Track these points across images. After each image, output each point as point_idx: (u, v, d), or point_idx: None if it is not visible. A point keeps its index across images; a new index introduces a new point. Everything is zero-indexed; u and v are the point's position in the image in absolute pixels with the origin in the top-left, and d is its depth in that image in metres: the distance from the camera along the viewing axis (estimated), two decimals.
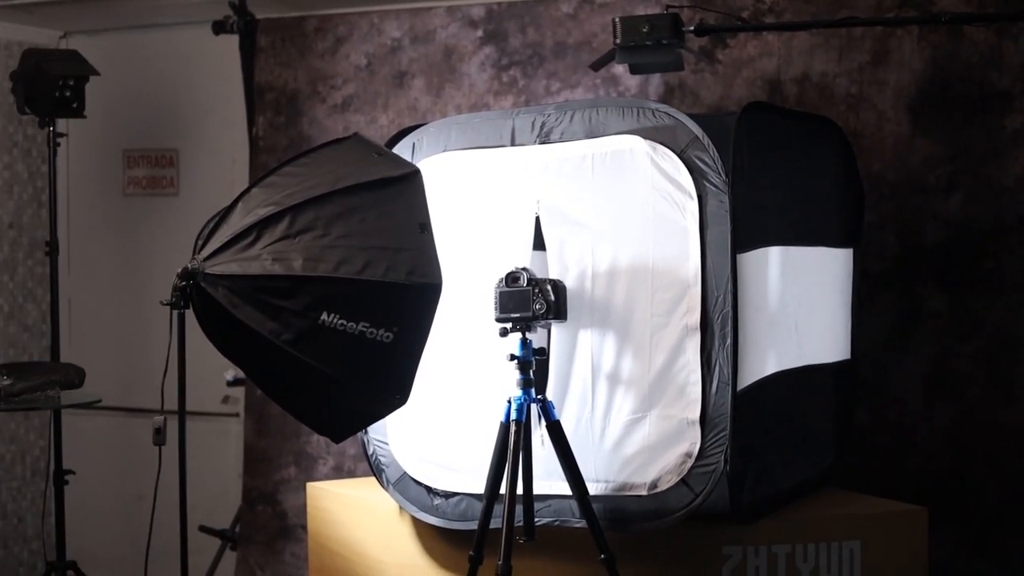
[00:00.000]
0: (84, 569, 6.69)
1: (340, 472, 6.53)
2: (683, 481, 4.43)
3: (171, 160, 7.83)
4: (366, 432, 5.00)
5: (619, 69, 5.93)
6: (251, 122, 6.93)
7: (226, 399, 7.47)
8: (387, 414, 4.63)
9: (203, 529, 6.95)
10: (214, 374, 7.15)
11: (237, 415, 7.39)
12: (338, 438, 4.75)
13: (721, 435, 4.38)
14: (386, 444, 4.99)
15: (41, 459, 8.01)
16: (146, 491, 7.27)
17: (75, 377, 5.58)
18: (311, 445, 6.62)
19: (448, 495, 4.87)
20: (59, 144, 6.46)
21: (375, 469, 5.03)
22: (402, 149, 4.95)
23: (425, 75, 6.46)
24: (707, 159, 4.42)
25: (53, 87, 6.25)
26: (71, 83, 6.28)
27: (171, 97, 7.76)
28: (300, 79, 6.72)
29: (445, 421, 4.85)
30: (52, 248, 6.47)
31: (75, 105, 6.34)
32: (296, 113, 6.71)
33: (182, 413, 4.54)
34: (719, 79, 5.89)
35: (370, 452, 5.04)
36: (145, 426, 7.34)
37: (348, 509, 5.32)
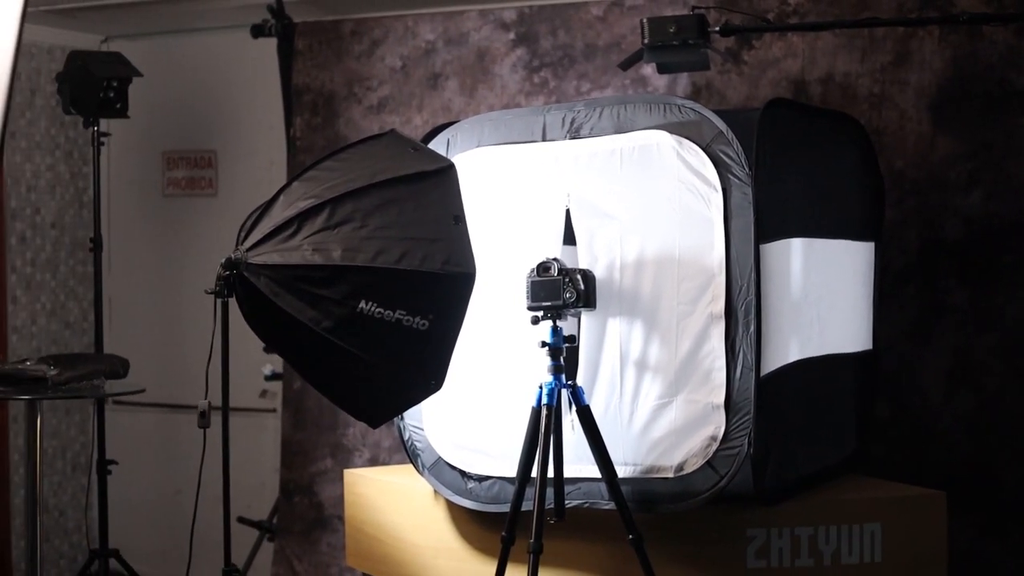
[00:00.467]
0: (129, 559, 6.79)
1: (375, 464, 6.62)
2: (708, 464, 4.53)
3: (210, 161, 7.98)
4: (402, 418, 5.11)
5: (647, 70, 6.05)
6: (288, 123, 7.03)
7: (264, 393, 7.60)
8: (422, 400, 4.74)
9: (241, 520, 7.05)
10: (252, 370, 7.32)
11: (274, 411, 7.53)
12: (375, 423, 4.85)
13: (745, 419, 4.48)
14: (421, 430, 5.10)
15: (82, 454, 8.21)
16: (185, 485, 7.56)
17: (119, 368, 5.72)
18: (347, 438, 6.73)
19: (481, 479, 4.98)
20: (103, 143, 6.57)
21: (411, 454, 5.14)
22: (437, 145, 5.06)
23: (458, 76, 6.56)
24: (731, 153, 4.52)
25: (98, 88, 6.35)
26: (115, 84, 6.39)
27: (210, 100, 7.90)
28: (336, 81, 6.81)
29: (479, 407, 4.95)
30: (96, 244, 6.57)
31: (119, 106, 6.45)
32: (332, 114, 6.80)
33: (225, 396, 4.61)
34: (745, 79, 5.99)
35: (406, 438, 5.14)
36: (185, 422, 7.47)
37: (384, 494, 5.43)
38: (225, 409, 4.66)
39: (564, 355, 4.61)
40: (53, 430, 8.05)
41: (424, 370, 4.52)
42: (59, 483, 8.14)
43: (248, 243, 4.48)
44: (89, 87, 6.38)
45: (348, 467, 6.59)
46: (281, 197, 4.58)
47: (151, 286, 8.27)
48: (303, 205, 4.48)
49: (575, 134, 4.81)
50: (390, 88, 6.71)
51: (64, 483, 8.19)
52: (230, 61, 7.85)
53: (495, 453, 4.92)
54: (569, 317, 4.65)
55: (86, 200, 8.07)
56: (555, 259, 4.59)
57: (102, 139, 6.58)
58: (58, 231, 8.01)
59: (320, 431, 6.77)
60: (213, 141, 7.98)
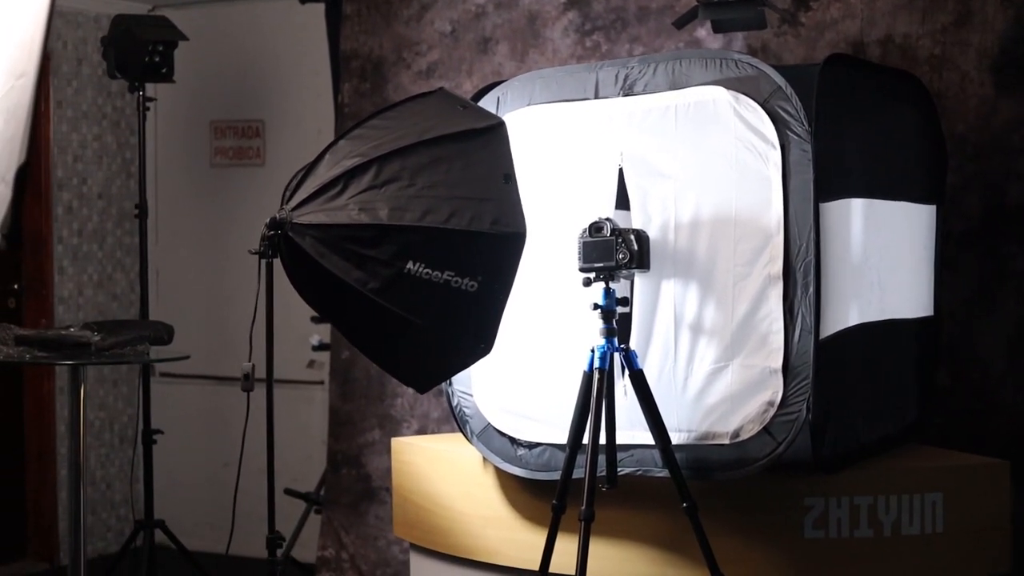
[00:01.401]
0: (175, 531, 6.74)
1: (423, 435, 6.49)
2: (765, 430, 4.42)
3: (257, 131, 7.96)
4: (450, 383, 5.03)
5: (702, 33, 5.92)
6: (336, 90, 6.92)
7: (311, 364, 7.54)
8: (471, 364, 4.65)
9: (289, 492, 7.04)
10: (299, 341, 7.25)
11: (321, 383, 7.46)
12: (423, 388, 4.74)
13: (803, 384, 4.36)
14: (470, 395, 5.02)
15: (129, 426, 8.20)
16: (231, 458, 7.47)
17: (164, 333, 5.61)
18: (395, 408, 6.64)
19: (531, 445, 4.89)
20: (148, 108, 6.50)
21: (459, 421, 5.06)
22: (486, 104, 4.97)
23: (509, 41, 6.44)
24: (790, 109, 4.41)
25: (143, 52, 6.29)
26: (160, 48, 6.33)
27: (257, 68, 7.90)
28: (385, 46, 6.71)
29: (529, 371, 4.86)
30: (142, 211, 6.51)
31: (164, 70, 6.40)
32: (381, 80, 6.70)
33: (270, 360, 4.55)
34: (801, 42, 5.84)
35: (454, 404, 5.06)
36: (232, 393, 7.44)
37: (431, 462, 5.35)
38: (269, 372, 4.58)
39: (616, 318, 4.51)
40: (100, 402, 8.06)
41: (473, 333, 4.43)
42: (106, 455, 8.14)
43: (293, 203, 4.39)
44: (134, 51, 6.32)
45: (399, 432, 6.58)
46: (327, 156, 4.49)
47: (198, 257, 8.23)
48: (349, 164, 4.38)
49: (629, 91, 4.70)
50: (439, 53, 6.59)
51: (112, 455, 8.18)
52: (277, 28, 7.83)
53: (545, 419, 4.82)
54: (622, 279, 4.56)
55: (133, 170, 8.04)
56: (608, 219, 4.48)
57: (147, 104, 6.47)
58: (105, 201, 7.98)
59: (368, 402, 6.69)
60: (261, 110, 7.95)
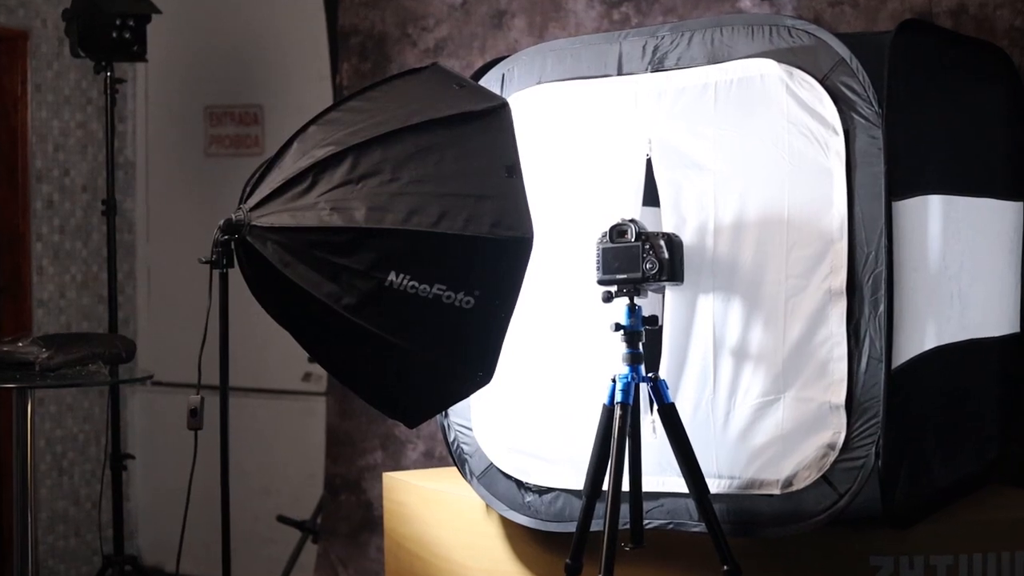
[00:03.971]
0: (164, 557, 6.27)
1: (431, 458, 5.96)
2: (824, 478, 3.81)
3: (255, 117, 7.36)
4: (446, 415, 4.41)
5: (746, 2, 5.29)
6: (335, 69, 6.38)
7: (307, 376, 6.98)
8: (468, 394, 4.04)
9: (281, 519, 6.51)
10: (294, 349, 6.60)
11: (324, 394, 6.84)
12: (412, 422, 4.10)
13: (872, 423, 3.73)
14: (469, 430, 4.38)
15: (129, 438, 7.53)
16: (229, 476, 7.08)
17: (122, 350, 4.88)
18: (399, 428, 6.05)
19: (542, 491, 4.28)
20: (117, 91, 5.86)
21: (456, 459, 4.42)
22: (490, 82, 4.34)
23: (526, 14, 5.82)
24: (856, 86, 3.77)
25: (110, 27, 5.61)
26: (130, 23, 5.65)
27: (254, 49, 7.33)
28: (388, 21, 6.13)
29: (538, 403, 4.26)
30: (109, 208, 5.91)
31: (135, 48, 5.71)
32: (383, 58, 6.12)
33: (224, 390, 4.09)
34: (860, 13, 5.14)
35: (451, 439, 4.43)
36: (231, 405, 7.14)
37: (428, 504, 4.66)
38: (224, 402, 4.16)
39: (644, 340, 3.92)
40: (85, 413, 7.41)
41: (469, 358, 3.84)
42: (92, 471, 7.47)
43: (252, 201, 3.79)
44: (100, 26, 5.63)
45: (400, 461, 6.06)
46: (295, 144, 3.89)
47: (194, 255, 7.52)
48: (320, 154, 3.78)
49: (658, 65, 4.07)
50: (448, 28, 5.99)
51: (98, 471, 7.46)
52: (275, 4, 7.25)
53: (558, 460, 4.21)
54: (650, 293, 3.97)
55: (122, 161, 7.43)
56: (632, 220, 3.89)
57: (116, 86, 5.81)
58: (90, 195, 7.38)
59: (369, 420, 6.10)
60: (259, 95, 7.36)
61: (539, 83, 4.27)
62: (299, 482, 7.03)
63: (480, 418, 4.35)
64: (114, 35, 5.64)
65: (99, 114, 7.35)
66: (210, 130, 7.42)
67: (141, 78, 7.41)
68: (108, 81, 5.77)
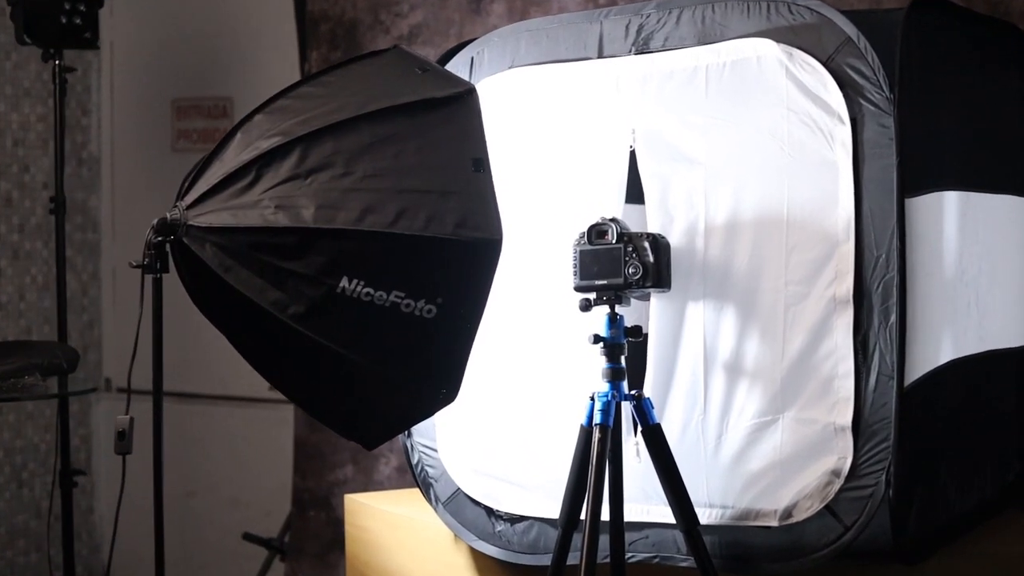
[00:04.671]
0: (131, 571, 5.97)
1: (405, 473, 5.62)
2: (828, 508, 3.49)
3: (225, 110, 7.07)
4: (409, 435, 4.05)
5: None
6: (303, 58, 6.18)
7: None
8: (431, 413, 3.74)
9: (248, 537, 6.25)
10: None
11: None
12: (370, 444, 3.74)
13: (882, 447, 3.40)
14: (435, 451, 4.02)
15: (81, 449, 7.27)
16: (199, 487, 6.98)
17: (63, 360, 4.55)
18: None
19: (514, 519, 3.94)
20: (67, 81, 5.54)
21: (421, 483, 4.05)
22: (457, 66, 3.99)
23: None
24: (864, 68, 3.42)
25: (58, 11, 5.28)
26: (81, 7, 5.32)
27: (223, 38, 7.08)
28: (359, 7, 5.94)
29: (509, 423, 3.93)
30: (58, 206, 5.60)
31: (87, 35, 5.39)
32: (354, 46, 5.91)
33: (158, 400, 3.81)
34: None
35: (415, 461, 4.06)
36: (199, 412, 7.03)
37: (392, 531, 4.28)
38: (158, 415, 3.84)
39: (626, 354, 3.60)
40: (46, 423, 7.11)
41: (431, 373, 3.51)
42: (55, 483, 7.02)
43: (190, 198, 3.44)
44: (47, 10, 5.30)
45: (372, 476, 5.80)
46: (238, 135, 3.53)
47: None
48: (265, 145, 3.44)
49: (643, 47, 3.72)
50: (423, 14, 5.78)
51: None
52: None
53: (532, 486, 3.88)
54: (634, 301, 3.66)
55: (85, 156, 7.18)
56: (614, 220, 3.57)
57: (66, 75, 5.50)
58: (51, 192, 6.96)
59: None
60: (229, 86, 7.12)
61: (512, 67, 3.93)
62: (270, 494, 6.76)
63: (446, 438, 4.01)
64: (63, 20, 5.30)
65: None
66: (177, 124, 7.14)
67: (106, 69, 7.15)
68: (57, 70, 5.43)
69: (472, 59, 3.97)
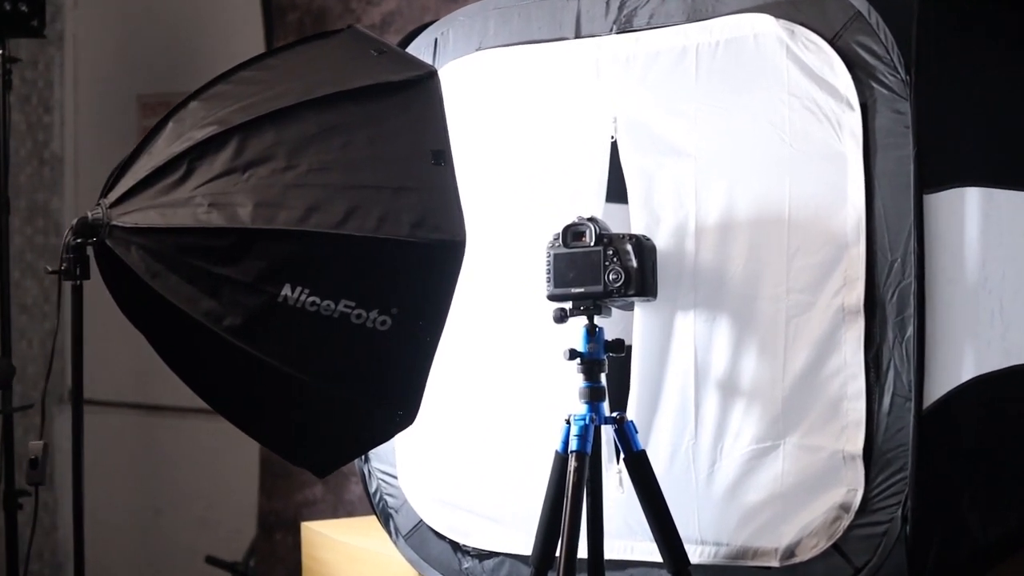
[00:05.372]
0: None
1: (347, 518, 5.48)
2: (836, 547, 3.24)
3: None
4: (366, 460, 3.75)
5: None
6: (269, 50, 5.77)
7: None
8: (387, 438, 3.43)
9: (210, 560, 6.03)
10: None
11: None
12: (320, 472, 3.43)
13: (897, 478, 3.13)
14: (394, 478, 3.75)
15: (56, 463, 6.72)
16: (166, 505, 6.75)
17: None
18: None
19: (482, 555, 3.71)
20: (11, 71, 5.16)
21: (380, 514, 3.77)
22: (420, 49, 3.74)
23: None
24: (876, 47, 3.16)
25: None
26: None
27: (189, 32, 6.91)
28: None
29: (476, 448, 3.68)
30: (2, 206, 5.21)
31: (34, 23, 5.01)
32: None
33: (77, 415, 3.36)
34: None
35: (372, 489, 3.78)
36: (167, 426, 6.84)
37: (352, 563, 3.99)
38: (77, 433, 3.39)
39: (607, 371, 3.31)
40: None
41: (386, 393, 3.19)
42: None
43: (114, 195, 3.12)
44: None
45: (342, 496, 5.56)
46: (170, 124, 3.24)
47: None
48: (198, 135, 3.15)
49: (625, 25, 3.48)
50: (396, 2, 5.60)
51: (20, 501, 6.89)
52: None
53: (502, 518, 3.62)
54: (615, 311, 3.41)
55: (47, 157, 6.95)
56: (592, 219, 3.32)
57: (9, 65, 5.13)
58: (10, 193, 6.68)
59: None
60: (196, 82, 6.52)
61: (479, 49, 3.69)
62: (240, 513, 6.51)
63: (407, 464, 3.73)
64: (7, 7, 4.94)
65: (22, 103, 6.93)
66: (143, 121, 6.89)
67: (69, 64, 6.97)
68: (2, 60, 5.05)
69: (435, 41, 3.73)
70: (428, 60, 3.62)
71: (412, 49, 3.66)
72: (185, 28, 6.86)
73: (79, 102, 6.99)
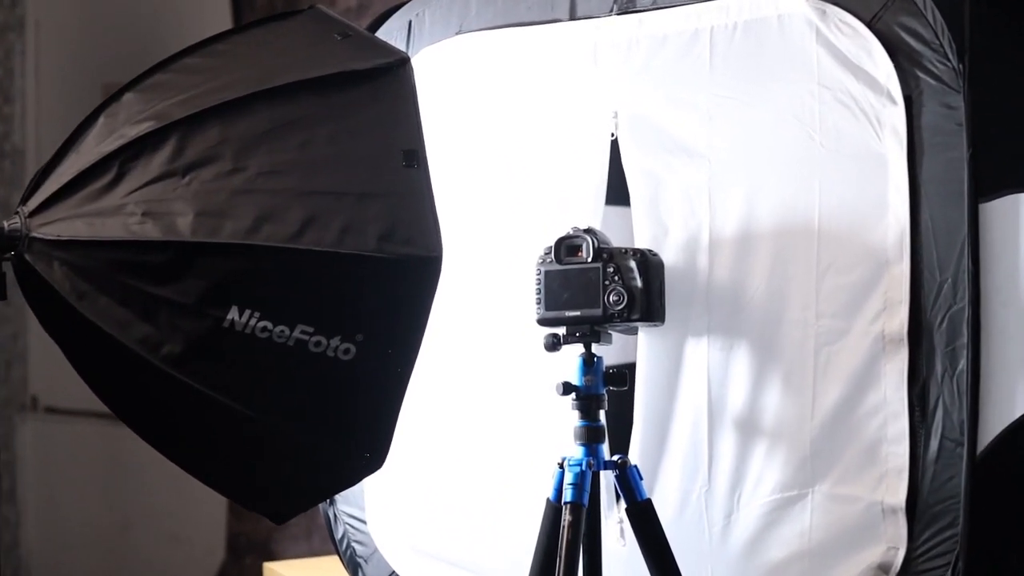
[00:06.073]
0: None
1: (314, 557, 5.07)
2: None
3: None
4: (331, 502, 3.36)
5: None
6: None
7: None
8: (353, 482, 2.97)
9: None
10: None
11: None
12: (278, 518, 2.98)
13: (947, 535, 2.74)
14: (363, 523, 3.35)
15: (4, 477, 6.73)
16: (136, 518, 6.53)
17: None
18: None
19: None
20: None
21: (347, 563, 3.37)
22: (392, 33, 3.35)
23: None
24: (923, 30, 2.76)
25: None
26: None
27: (157, 15, 6.64)
28: None
29: (456, 492, 3.28)
30: None
31: None
32: None
33: None
34: None
35: (339, 535, 3.37)
36: (133, 436, 6.52)
37: None
38: None
39: (605, 407, 2.90)
40: None
41: (352, 433, 2.77)
42: None
43: (34, 202, 2.70)
44: None
45: (316, 519, 5.01)
46: (101, 120, 2.82)
47: None
48: (132, 132, 2.71)
49: (628, 5, 3.09)
50: None
51: None
52: None
53: (485, 570, 3.24)
54: (616, 337, 2.98)
55: (7, 149, 6.70)
56: (590, 231, 2.89)
57: None
58: None
59: None
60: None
61: (460, 32, 3.27)
62: (211, 529, 6.23)
63: (378, 509, 3.32)
64: None
65: None
66: None
67: (31, 51, 6.75)
68: None
69: (410, 23, 3.32)
70: (401, 45, 3.24)
71: (383, 33, 3.28)
72: (153, 12, 6.60)
73: (41, 91, 6.73)
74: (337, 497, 3.29)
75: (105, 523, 6.71)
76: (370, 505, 3.28)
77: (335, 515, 3.32)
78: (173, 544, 6.28)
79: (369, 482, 3.06)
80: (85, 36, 6.60)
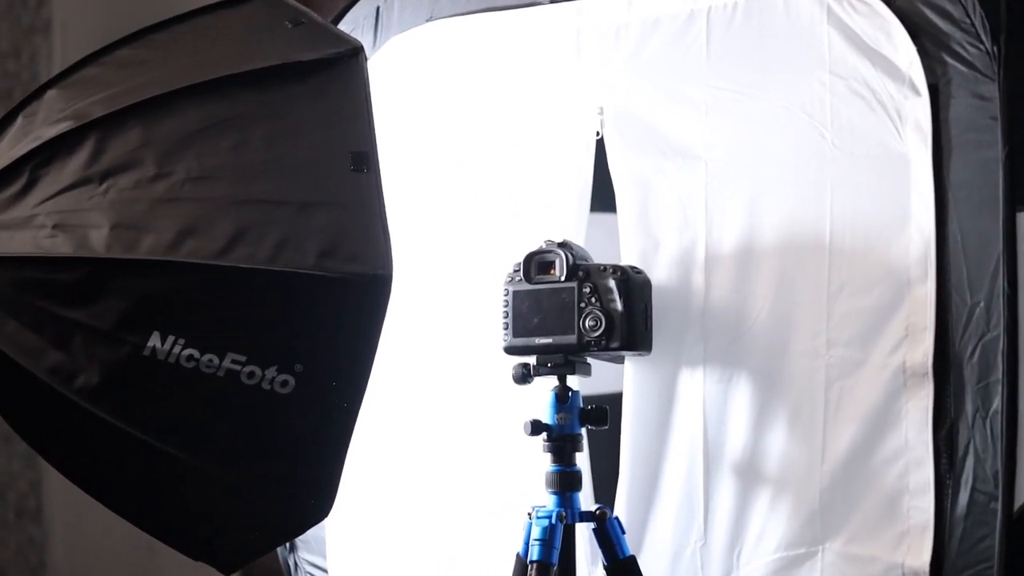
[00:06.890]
0: None
1: None
2: None
3: None
4: (291, 548, 3.03)
5: None
6: None
7: None
8: (300, 531, 2.68)
9: None
10: None
11: None
12: (223, 567, 2.69)
13: None
14: (325, 572, 3.01)
15: (30, 496, 6.35)
16: (157, 543, 6.29)
17: None
18: None
19: None
20: None
21: None
22: (358, 22, 3.04)
23: None
24: (952, 8, 2.48)
25: None
26: None
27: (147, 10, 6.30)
28: None
29: (420, 542, 2.89)
30: None
31: None
32: None
33: None
34: None
35: None
36: None
37: None
38: None
39: (581, 448, 2.54)
40: None
41: (292, 476, 2.45)
42: None
43: None
44: None
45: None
46: (19, 120, 2.51)
47: None
48: (47, 134, 2.43)
49: None
50: None
51: (6, 536, 6.43)
52: None
53: None
54: (595, 367, 2.62)
55: None
56: (564, 245, 2.54)
57: None
58: None
59: None
60: None
61: (431, 19, 2.94)
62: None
63: (340, 556, 2.97)
64: None
65: (2, 99, 6.30)
66: None
67: (57, 55, 6.30)
68: None
69: (377, 10, 3.01)
70: (368, 35, 2.94)
71: (348, 21, 2.97)
72: (182, 9, 6.37)
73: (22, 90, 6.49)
74: (297, 543, 2.96)
75: (131, 544, 6.57)
76: (333, 553, 2.94)
77: (295, 563, 3.00)
78: (199, 568, 6.07)
79: (330, 529, 2.81)
80: (112, 38, 6.29)
